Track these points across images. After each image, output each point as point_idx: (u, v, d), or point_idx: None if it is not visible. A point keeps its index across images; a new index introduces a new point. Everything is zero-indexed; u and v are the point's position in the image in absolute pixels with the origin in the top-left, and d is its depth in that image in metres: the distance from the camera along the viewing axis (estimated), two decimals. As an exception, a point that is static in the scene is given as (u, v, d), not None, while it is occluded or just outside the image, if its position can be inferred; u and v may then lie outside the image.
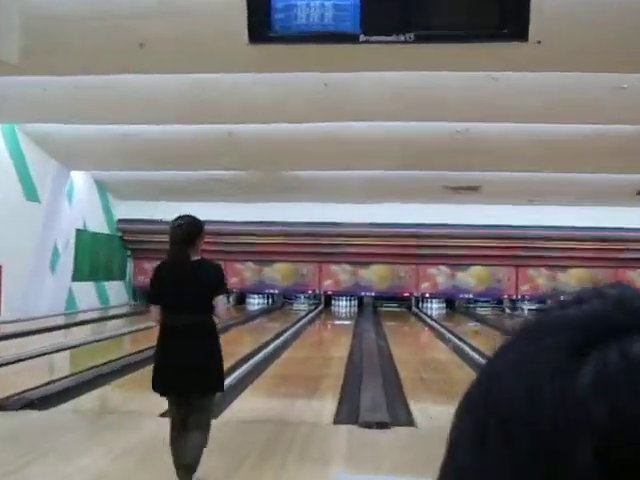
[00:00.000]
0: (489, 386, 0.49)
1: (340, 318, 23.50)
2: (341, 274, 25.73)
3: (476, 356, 11.47)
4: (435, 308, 25.71)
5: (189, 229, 5.07)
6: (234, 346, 11.30)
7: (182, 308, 5.01)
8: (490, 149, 16.55)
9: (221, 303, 5.04)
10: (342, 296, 25.85)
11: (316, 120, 15.15)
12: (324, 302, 25.77)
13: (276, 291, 25.92)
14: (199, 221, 5.19)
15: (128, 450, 6.28)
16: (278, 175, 20.74)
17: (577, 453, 0.43)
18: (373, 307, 24.94)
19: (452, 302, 25.95)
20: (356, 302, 25.73)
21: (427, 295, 25.82)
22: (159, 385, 5.00)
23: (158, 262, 5.46)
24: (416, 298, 25.91)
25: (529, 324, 0.51)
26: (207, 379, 4.96)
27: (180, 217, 5.19)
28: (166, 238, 5.22)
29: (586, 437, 0.43)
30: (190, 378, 4.89)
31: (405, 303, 25.75)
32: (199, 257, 5.20)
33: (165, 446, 5.29)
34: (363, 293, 25.59)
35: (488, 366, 0.50)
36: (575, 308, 0.50)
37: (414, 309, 25.13)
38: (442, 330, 17.62)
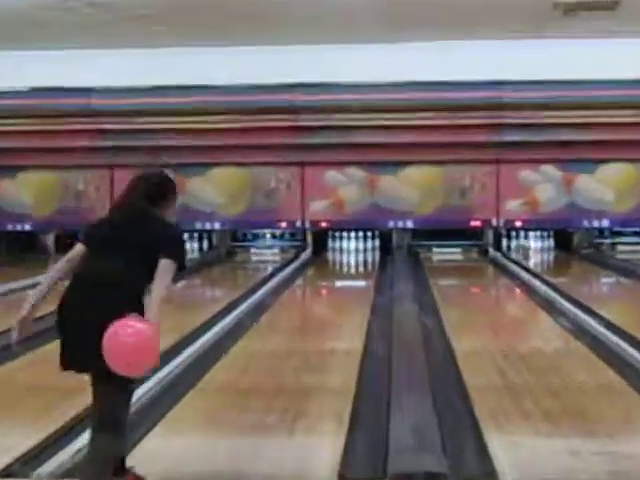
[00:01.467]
0: None
1: (344, 276, 13.24)
2: (345, 187, 13.99)
3: (621, 345, 6.22)
4: (534, 250, 14.39)
5: None
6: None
7: None
8: None
9: None
10: (347, 231, 14.34)
11: None
12: (312, 244, 14.21)
13: (215, 225, 14.19)
14: None
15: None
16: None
17: None
18: (409, 252, 13.97)
19: (567, 238, 14.11)
20: (376, 242, 14.33)
21: (518, 224, 13.91)
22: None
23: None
24: (496, 231, 14.03)
25: None
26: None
27: None
28: None
29: None
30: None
31: (475, 242, 14.31)
32: None
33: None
34: (390, 224, 13.97)
35: None
36: None
37: (492, 253, 13.73)
38: (549, 294, 9.16)
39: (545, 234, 14.18)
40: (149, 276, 3.35)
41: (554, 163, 13.50)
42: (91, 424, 3.47)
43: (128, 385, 3.42)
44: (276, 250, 14.47)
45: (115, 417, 3.44)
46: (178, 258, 3.36)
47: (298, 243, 14.24)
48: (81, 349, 3.33)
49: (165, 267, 3.34)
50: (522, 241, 14.14)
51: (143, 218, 3.50)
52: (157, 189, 3.58)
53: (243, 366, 6.08)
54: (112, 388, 3.37)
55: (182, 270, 3.38)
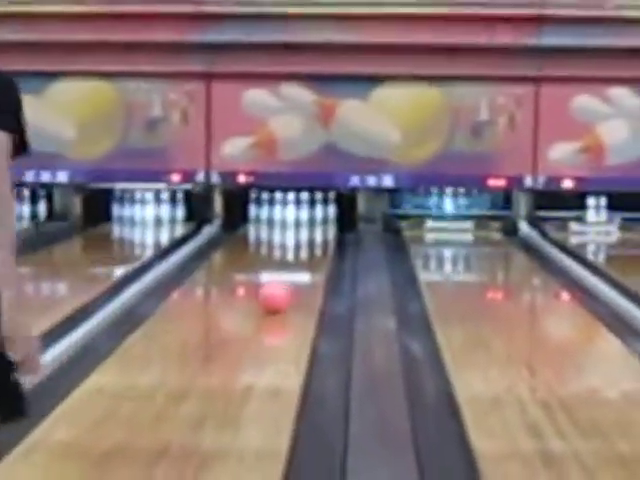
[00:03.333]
0: None
1: (274, 266, 9.08)
2: (279, 117, 9.67)
3: None
4: (594, 227, 10.02)
5: None
6: None
7: None
8: None
9: None
10: (282, 191, 10.03)
11: None
12: (222, 212, 9.92)
13: (60, 176, 9.63)
14: None
15: None
16: None
17: None
18: (386, 226, 10.07)
19: None
20: (330, 210, 10.15)
21: (569, 185, 9.47)
22: None
23: None
24: (532, 194, 9.80)
25: None
26: None
27: None
28: None
29: None
30: None
31: (495, 211, 10.19)
32: None
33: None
34: (354, 180, 9.64)
35: None
36: None
37: (525, 231, 9.71)
38: (621, 307, 6.61)
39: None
40: None
41: (630, 84, 9.30)
42: None
43: None
44: (163, 225, 10.19)
45: None
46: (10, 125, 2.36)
47: (200, 210, 9.68)
48: None
49: None
50: (592, 216, 9.71)
51: None
52: None
53: (99, 415, 4.75)
54: None
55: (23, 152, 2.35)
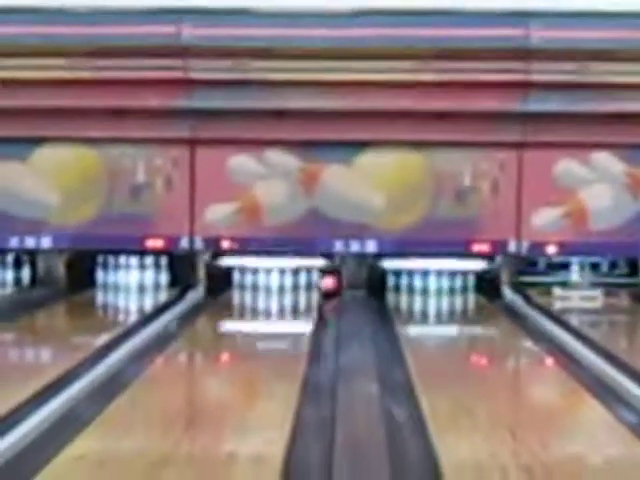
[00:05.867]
0: None
1: (257, 332, 8.99)
2: (263, 183, 9.67)
3: None
4: (578, 292, 9.91)
5: None
6: None
7: None
8: None
9: None
10: (266, 256, 9.95)
11: None
12: (205, 278, 9.88)
13: (43, 242, 9.63)
14: None
15: None
16: None
17: None
18: (369, 289, 10.02)
19: (635, 269, 9.92)
20: (313, 276, 10.06)
21: (552, 250, 9.48)
22: None
23: None
24: (517, 258, 9.82)
25: None
26: None
27: None
28: None
29: None
30: None
31: (484, 275, 9.98)
32: None
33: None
34: (337, 246, 9.65)
35: None
36: None
37: (508, 296, 9.68)
38: (607, 372, 6.51)
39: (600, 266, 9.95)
40: None
41: (613, 149, 9.31)
42: None
43: None
44: (135, 292, 10.17)
45: None
46: None
47: (180, 277, 9.67)
48: None
49: None
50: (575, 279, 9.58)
51: None
52: None
53: None
54: None
55: None
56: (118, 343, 7.16)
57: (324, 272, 9.57)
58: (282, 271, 9.82)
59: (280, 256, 9.75)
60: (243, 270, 9.68)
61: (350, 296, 9.56)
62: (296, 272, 9.78)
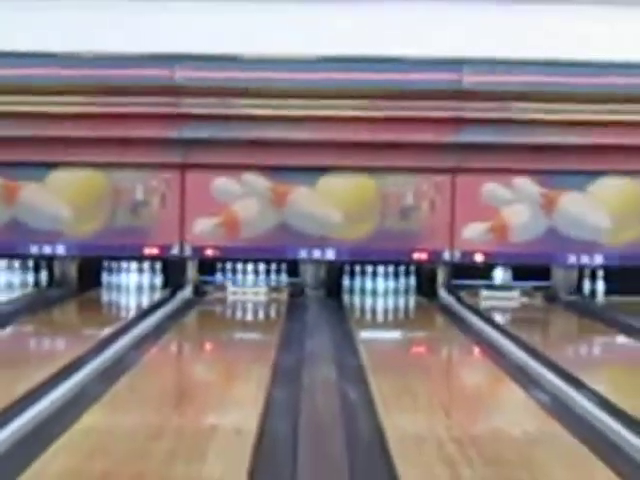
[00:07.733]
0: None
1: (236, 326, 10.40)
2: (241, 201, 10.96)
3: (619, 431, 5.02)
4: (500, 293, 11.14)
5: None
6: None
7: None
8: None
9: None
10: (243, 262, 11.19)
11: None
12: (192, 280, 11.00)
13: (58, 249, 10.81)
14: None
15: None
16: None
17: None
18: (328, 290, 11.14)
19: (547, 274, 11.05)
20: (282, 278, 11.29)
21: (479, 258, 10.84)
22: None
23: None
24: (449, 266, 11.01)
25: None
26: None
27: None
28: None
29: None
30: None
31: (421, 277, 11.20)
32: None
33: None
34: (302, 253, 11.00)
35: None
36: None
37: (444, 297, 10.88)
38: (522, 358, 7.37)
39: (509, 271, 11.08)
40: None
41: (531, 175, 10.45)
42: None
43: None
44: (130, 293, 11.12)
45: None
46: None
47: (170, 281, 10.76)
48: None
49: None
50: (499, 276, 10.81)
51: None
52: None
53: (89, 449, 5.03)
54: None
55: None
56: (120, 334, 7.87)
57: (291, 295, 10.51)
58: (256, 293, 10.81)
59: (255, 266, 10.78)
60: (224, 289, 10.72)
61: (312, 296, 10.56)
62: (267, 274, 10.89)
